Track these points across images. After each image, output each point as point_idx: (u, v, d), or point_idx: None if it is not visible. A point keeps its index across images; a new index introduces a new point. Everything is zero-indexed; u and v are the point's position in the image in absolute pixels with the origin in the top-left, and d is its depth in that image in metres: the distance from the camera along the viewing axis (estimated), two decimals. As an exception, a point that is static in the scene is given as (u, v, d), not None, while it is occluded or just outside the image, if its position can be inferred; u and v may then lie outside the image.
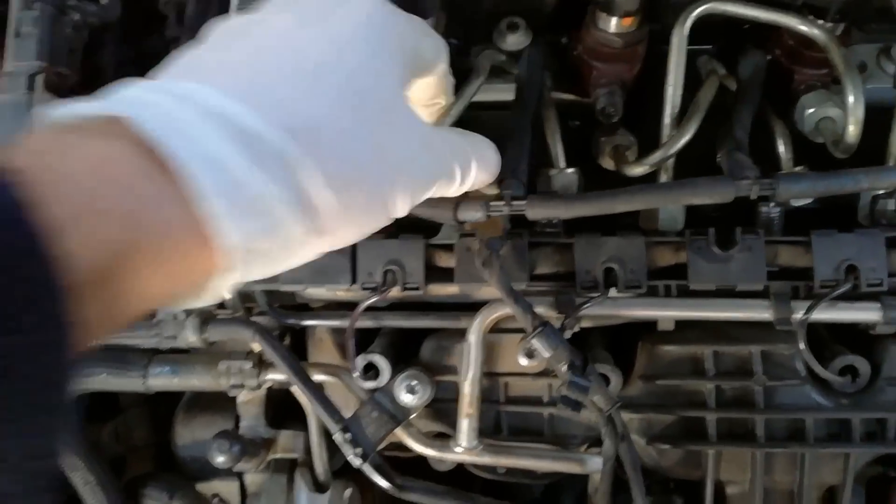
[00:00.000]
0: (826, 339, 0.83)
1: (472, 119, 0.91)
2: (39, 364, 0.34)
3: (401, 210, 0.53)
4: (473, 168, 0.61)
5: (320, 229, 0.46)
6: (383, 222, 0.53)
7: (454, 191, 0.61)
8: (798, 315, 0.76)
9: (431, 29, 0.60)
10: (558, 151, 0.81)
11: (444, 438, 0.84)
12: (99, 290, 0.38)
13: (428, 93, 0.65)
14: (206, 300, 0.46)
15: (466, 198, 0.79)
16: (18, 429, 0.34)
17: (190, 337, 0.79)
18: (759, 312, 0.77)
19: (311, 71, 0.47)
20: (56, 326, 0.35)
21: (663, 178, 0.82)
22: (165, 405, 1.11)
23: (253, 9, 0.53)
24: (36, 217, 0.34)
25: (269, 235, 0.44)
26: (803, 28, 0.79)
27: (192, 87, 0.43)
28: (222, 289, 0.45)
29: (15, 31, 0.76)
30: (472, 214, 0.77)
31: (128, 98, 0.43)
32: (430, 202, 0.78)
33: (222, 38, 0.51)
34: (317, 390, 0.79)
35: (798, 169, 0.82)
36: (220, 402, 0.96)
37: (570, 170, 0.80)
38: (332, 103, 0.47)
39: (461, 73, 0.93)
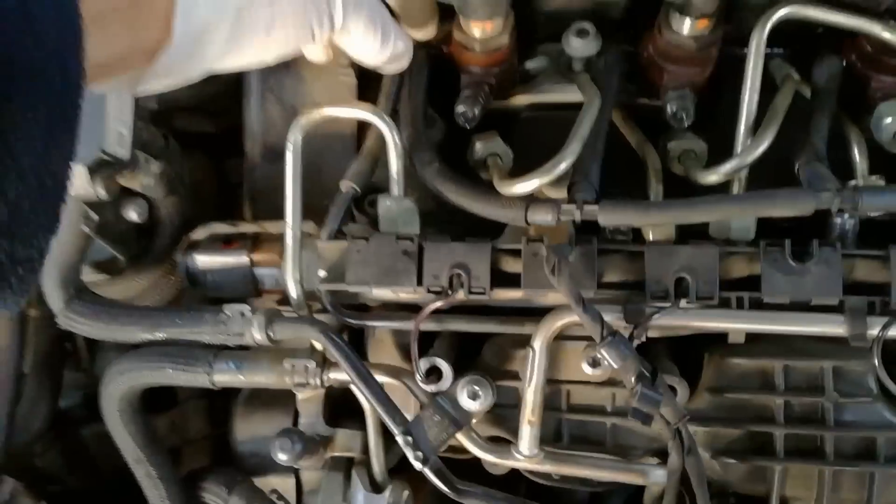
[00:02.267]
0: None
1: (534, 119, 0.91)
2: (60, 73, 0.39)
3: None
4: (391, 47, 0.75)
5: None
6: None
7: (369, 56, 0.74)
8: (874, 331, 0.74)
9: None
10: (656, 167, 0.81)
11: (503, 443, 0.84)
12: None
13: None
14: (147, 82, 0.57)
15: (537, 200, 0.78)
16: (34, 133, 0.37)
17: (256, 334, 0.79)
18: (834, 328, 0.75)
19: None
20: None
21: (735, 186, 0.81)
22: (221, 398, 1.12)
23: None
24: None
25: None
26: (886, 35, 0.77)
27: None
28: (165, 74, 0.57)
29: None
30: (543, 217, 0.77)
31: None
32: (500, 202, 0.79)
33: None
34: (380, 392, 0.78)
35: (875, 178, 0.80)
36: (279, 399, 0.97)
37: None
38: None
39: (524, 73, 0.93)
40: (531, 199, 0.78)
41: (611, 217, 0.75)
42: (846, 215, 0.78)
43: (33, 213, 0.38)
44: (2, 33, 0.35)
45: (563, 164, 0.78)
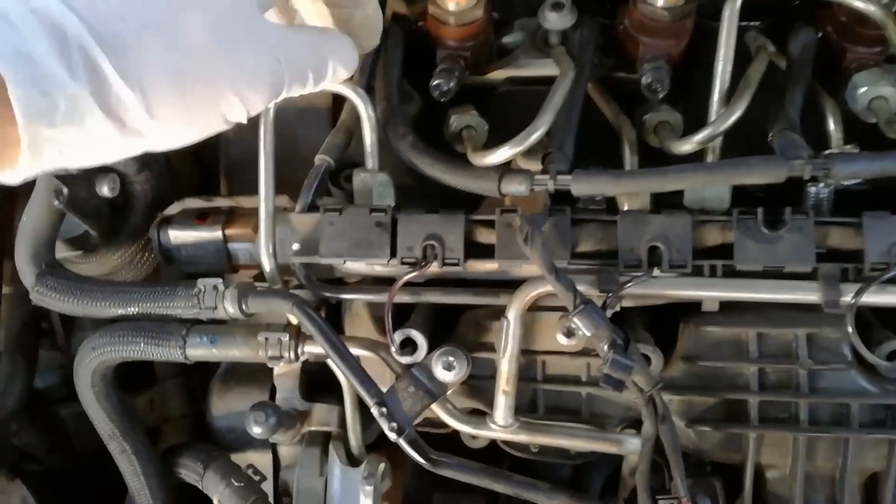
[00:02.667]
0: (873, 323, 0.81)
1: (510, 93, 0.90)
2: None
3: (239, 114, 0.58)
4: (329, 68, 0.66)
5: (125, 123, 0.52)
6: (218, 125, 0.58)
7: (309, 89, 0.65)
8: (847, 298, 0.74)
9: None
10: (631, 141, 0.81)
11: (479, 415, 0.84)
12: None
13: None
14: (17, 175, 0.52)
15: (510, 170, 0.78)
16: None
17: (229, 307, 0.79)
18: (807, 295, 0.75)
19: None
20: None
21: (710, 156, 0.81)
22: (199, 376, 1.12)
23: None
24: None
25: (66, 120, 0.49)
26: (860, 5, 0.77)
27: None
28: (30, 168, 0.51)
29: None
30: (516, 188, 0.76)
31: None
32: (474, 173, 0.78)
33: None
34: (354, 364, 0.78)
35: (849, 147, 0.80)
36: (255, 374, 0.97)
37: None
38: (156, 5, 0.53)
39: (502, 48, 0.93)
40: (505, 170, 0.78)
41: (584, 186, 0.75)
42: (821, 185, 0.78)
43: None
44: None
45: (535, 135, 0.77)
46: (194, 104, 0.55)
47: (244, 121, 0.60)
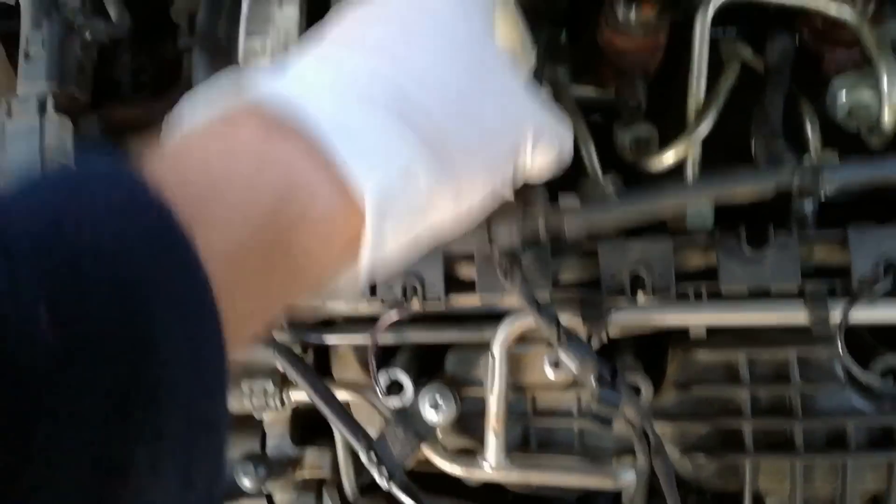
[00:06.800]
0: (866, 339, 0.80)
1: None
2: (202, 377, 0.34)
3: (529, 159, 0.53)
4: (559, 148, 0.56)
5: (452, 182, 0.47)
6: (509, 176, 0.52)
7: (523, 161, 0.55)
8: (836, 316, 0.72)
9: None
10: (594, 163, 0.78)
11: (471, 454, 0.82)
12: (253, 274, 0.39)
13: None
14: (356, 278, 0.46)
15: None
16: (190, 448, 0.33)
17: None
18: (795, 315, 0.73)
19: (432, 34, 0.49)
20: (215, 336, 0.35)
21: (689, 169, 0.79)
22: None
23: None
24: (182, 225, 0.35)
25: (404, 188, 0.44)
26: (833, 11, 0.76)
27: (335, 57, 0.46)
28: (369, 258, 0.45)
29: (24, 52, 0.75)
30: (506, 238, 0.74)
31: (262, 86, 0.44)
32: None
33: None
34: (341, 410, 0.77)
35: (829, 153, 0.79)
36: (245, 421, 0.95)
37: (607, 178, 0.76)
38: (447, 63, 0.48)
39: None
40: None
41: (577, 225, 0.72)
42: (806, 197, 0.77)
43: None
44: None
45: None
46: (497, 153, 0.51)
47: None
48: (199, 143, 0.41)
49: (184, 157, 0.40)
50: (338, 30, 0.50)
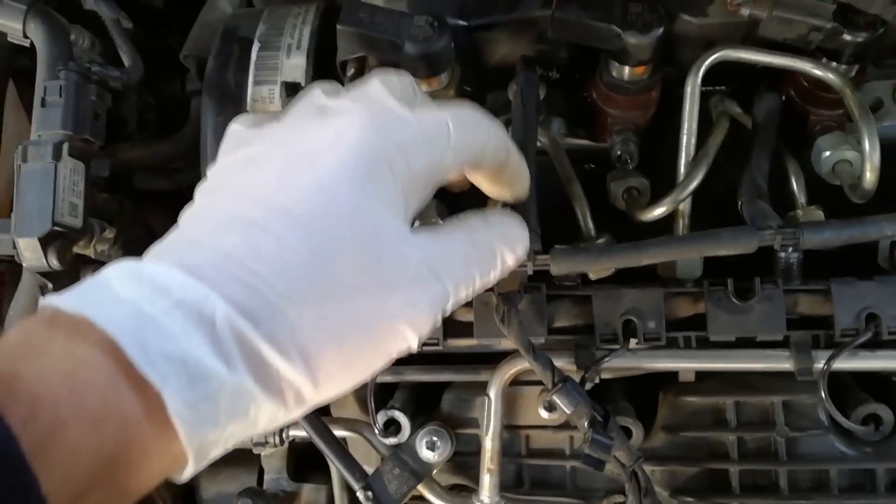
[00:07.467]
0: (850, 385, 0.83)
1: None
2: None
3: (405, 344, 0.52)
4: (498, 260, 0.59)
5: (289, 400, 0.46)
6: (382, 363, 0.51)
7: (482, 288, 0.58)
8: (819, 364, 0.75)
9: (475, 115, 0.57)
10: (588, 224, 0.81)
11: (465, 492, 0.84)
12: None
13: (485, 185, 0.65)
14: (182, 478, 0.46)
15: None
16: None
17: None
18: (780, 363, 0.76)
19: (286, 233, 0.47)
20: None
21: (679, 222, 0.82)
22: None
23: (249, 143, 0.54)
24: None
25: (230, 417, 0.43)
26: (818, 73, 0.79)
27: (163, 275, 0.44)
28: (196, 469, 0.45)
29: (41, 100, 0.78)
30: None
31: (97, 294, 0.44)
32: None
33: (207, 201, 0.53)
34: (338, 447, 0.79)
35: (814, 208, 0.82)
36: (244, 455, 0.96)
37: (601, 240, 0.80)
38: (301, 259, 0.46)
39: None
40: None
41: (562, 266, 0.75)
42: (790, 249, 0.80)
43: None
44: None
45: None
46: (357, 355, 0.49)
47: (415, 348, 0.52)
48: (34, 368, 0.40)
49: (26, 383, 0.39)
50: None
